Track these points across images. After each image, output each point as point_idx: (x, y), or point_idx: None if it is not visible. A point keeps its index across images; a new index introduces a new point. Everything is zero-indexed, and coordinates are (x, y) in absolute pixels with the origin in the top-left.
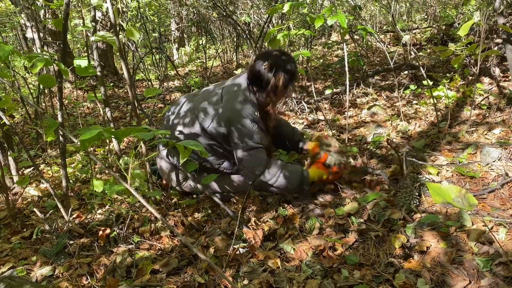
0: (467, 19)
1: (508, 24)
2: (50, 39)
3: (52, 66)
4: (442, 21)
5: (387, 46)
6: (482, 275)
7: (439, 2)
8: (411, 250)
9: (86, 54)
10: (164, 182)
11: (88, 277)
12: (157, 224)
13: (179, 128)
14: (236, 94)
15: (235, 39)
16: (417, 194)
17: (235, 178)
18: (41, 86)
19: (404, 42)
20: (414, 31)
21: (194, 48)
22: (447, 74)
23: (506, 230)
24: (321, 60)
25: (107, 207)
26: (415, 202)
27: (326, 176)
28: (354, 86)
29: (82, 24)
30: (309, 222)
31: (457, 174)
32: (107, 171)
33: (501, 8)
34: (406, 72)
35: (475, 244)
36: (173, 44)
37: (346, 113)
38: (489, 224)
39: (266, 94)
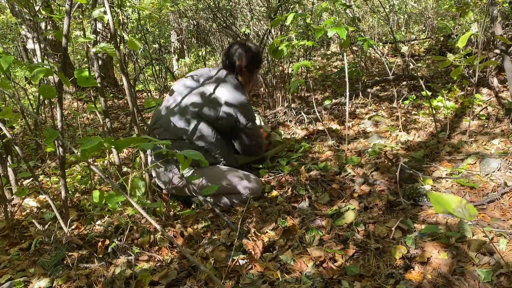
0: (465, 31)
1: (505, 35)
2: (50, 50)
3: (52, 77)
4: (440, 32)
5: (385, 57)
6: (484, 287)
7: (436, 14)
8: (412, 261)
9: (86, 65)
10: (163, 195)
11: None
12: (156, 235)
13: (181, 123)
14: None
15: None
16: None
17: (241, 189)
18: (41, 97)
19: (402, 53)
20: (412, 42)
21: (194, 59)
22: (446, 85)
23: (506, 241)
24: (320, 71)
25: (106, 218)
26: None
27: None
28: (353, 97)
29: (82, 36)
30: (309, 233)
31: (456, 185)
32: (106, 182)
33: (499, 19)
34: (405, 82)
35: (476, 255)
36: (173, 55)
37: (345, 123)
38: (489, 234)
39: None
